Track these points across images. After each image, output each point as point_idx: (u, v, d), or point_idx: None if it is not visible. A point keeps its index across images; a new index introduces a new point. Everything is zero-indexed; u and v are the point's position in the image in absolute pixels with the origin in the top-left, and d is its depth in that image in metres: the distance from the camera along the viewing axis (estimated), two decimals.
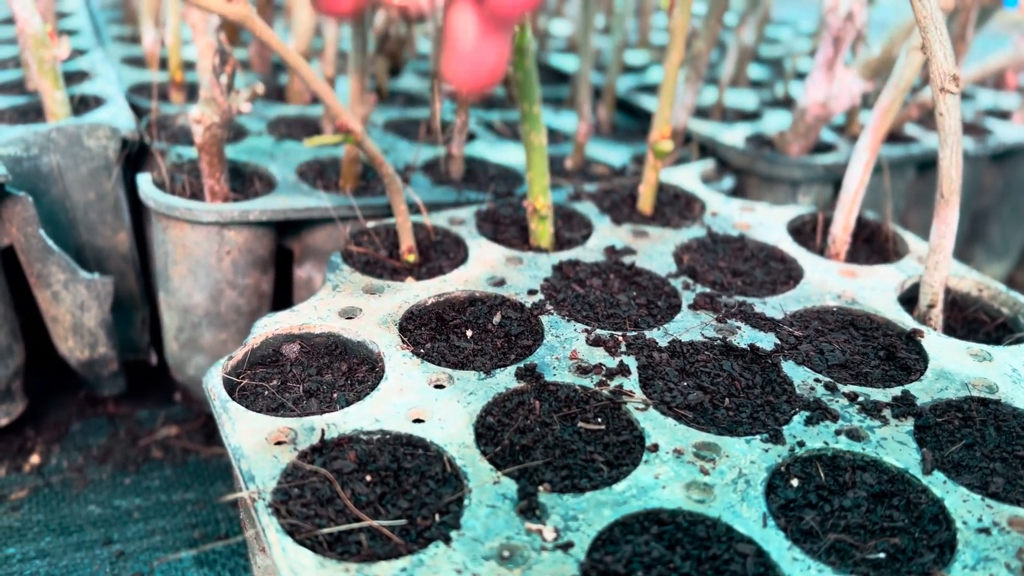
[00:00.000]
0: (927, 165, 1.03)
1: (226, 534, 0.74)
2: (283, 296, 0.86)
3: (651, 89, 1.18)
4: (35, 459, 0.81)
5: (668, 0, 0.72)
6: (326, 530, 0.46)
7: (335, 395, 0.57)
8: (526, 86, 0.69)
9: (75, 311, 0.76)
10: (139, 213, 0.83)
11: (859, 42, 0.97)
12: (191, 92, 1.00)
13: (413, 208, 0.77)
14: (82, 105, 0.87)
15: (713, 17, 0.86)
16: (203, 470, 0.82)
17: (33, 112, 0.86)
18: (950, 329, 0.70)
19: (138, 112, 0.92)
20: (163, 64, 1.07)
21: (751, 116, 1.10)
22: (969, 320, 0.72)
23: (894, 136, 1.01)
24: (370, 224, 0.75)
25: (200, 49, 0.71)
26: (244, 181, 0.81)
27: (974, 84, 1.30)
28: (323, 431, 0.51)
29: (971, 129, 1.08)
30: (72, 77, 0.95)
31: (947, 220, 0.63)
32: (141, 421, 0.88)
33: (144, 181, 0.75)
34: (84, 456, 0.82)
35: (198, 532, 0.75)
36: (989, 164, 1.10)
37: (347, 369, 0.60)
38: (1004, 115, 1.16)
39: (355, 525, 0.46)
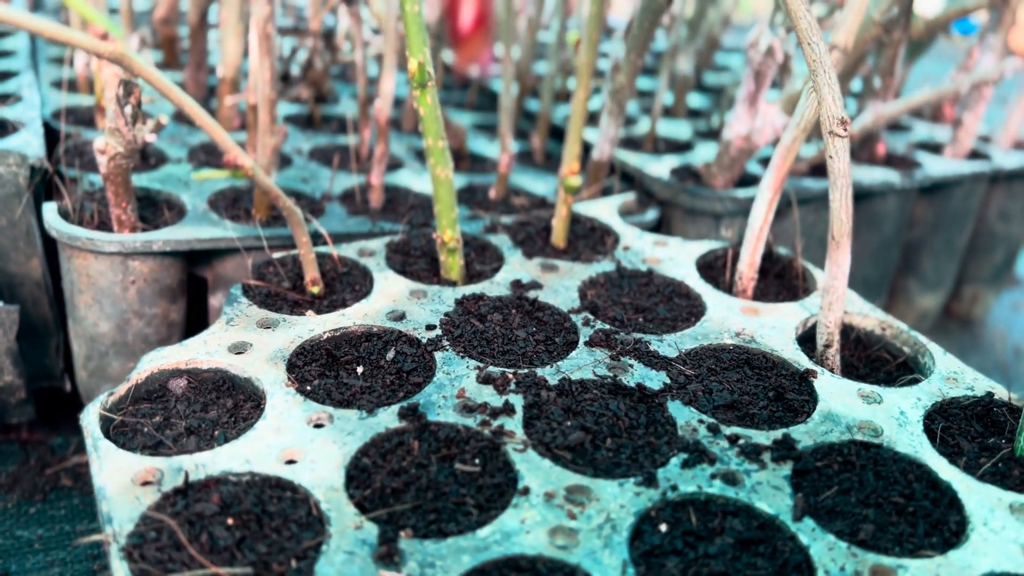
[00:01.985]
0: (855, 198, 1.03)
1: None
2: (199, 324, 0.85)
3: (589, 118, 1.18)
4: None
5: (575, 39, 0.72)
6: None
7: (216, 433, 0.57)
8: (429, 121, 0.69)
9: None
10: (53, 239, 0.83)
11: (785, 76, 0.98)
12: None
13: (322, 239, 0.77)
14: (1, 129, 0.87)
15: (634, 52, 0.86)
16: None
17: None
18: (852, 367, 0.70)
19: (57, 137, 0.91)
20: (93, 88, 1.06)
21: (683, 147, 1.10)
22: (872, 359, 0.72)
23: (822, 169, 1.02)
24: (276, 255, 0.75)
25: (105, 79, 0.71)
26: (155, 209, 0.81)
27: (910, 116, 1.31)
28: (187, 473, 0.51)
29: (901, 162, 1.08)
30: None
31: (839, 262, 0.64)
32: (54, 448, 0.87)
33: (49, 210, 0.75)
34: None
35: (98, 564, 0.74)
36: (920, 197, 1.10)
37: (232, 406, 0.60)
38: (937, 148, 1.17)
39: (200, 572, 0.45)
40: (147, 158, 0.91)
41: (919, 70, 1.95)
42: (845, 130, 0.60)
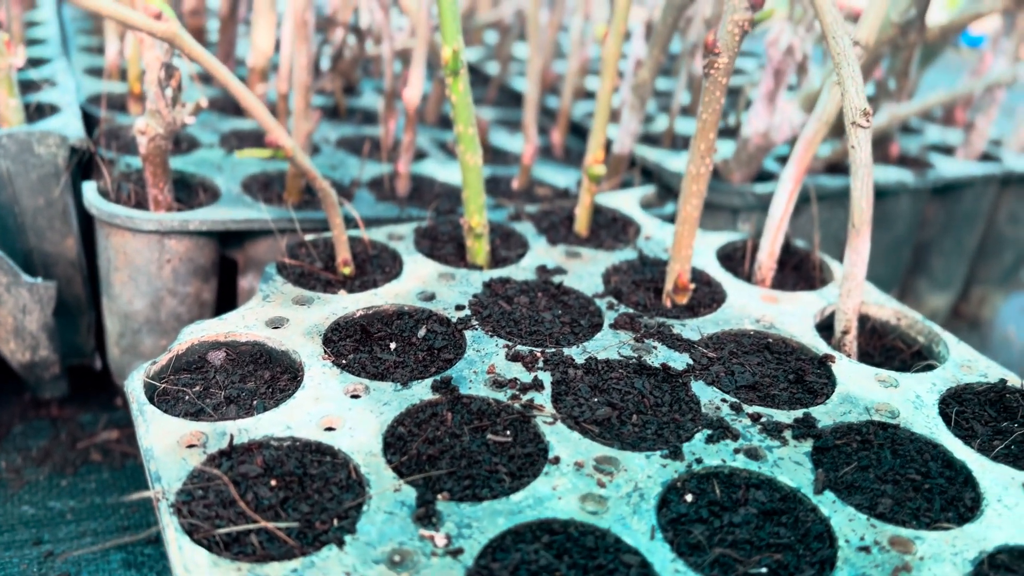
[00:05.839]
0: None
1: (157, 537, 0.75)
2: (228, 305, 0.87)
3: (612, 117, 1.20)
4: None
5: (603, 31, 0.75)
6: (223, 530, 0.47)
7: (255, 402, 0.59)
8: (460, 108, 0.71)
9: (17, 314, 0.78)
10: (89, 220, 0.85)
11: (802, 75, 1.00)
12: None
13: (353, 223, 0.79)
14: (37, 113, 0.89)
15: (657, 47, 0.88)
16: (140, 474, 0.83)
17: None
18: (868, 356, 0.72)
19: (93, 122, 0.94)
20: (124, 76, 1.09)
21: None
22: (887, 348, 0.74)
23: (837, 167, 1.04)
24: (308, 237, 0.77)
25: (147, 62, 0.73)
26: (190, 191, 0.83)
27: (922, 120, 1.33)
28: (232, 436, 0.53)
29: (914, 163, 1.10)
30: (32, 85, 0.97)
31: (858, 249, 0.66)
32: (83, 425, 0.89)
33: (89, 189, 0.77)
34: (23, 457, 0.83)
35: (129, 535, 0.76)
36: (931, 197, 1.12)
37: (270, 377, 0.62)
38: (949, 150, 1.19)
39: (251, 526, 0.47)
40: (179, 143, 0.93)
41: (928, 81, 1.97)
42: (868, 121, 0.62)
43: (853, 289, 0.67)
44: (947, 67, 2.97)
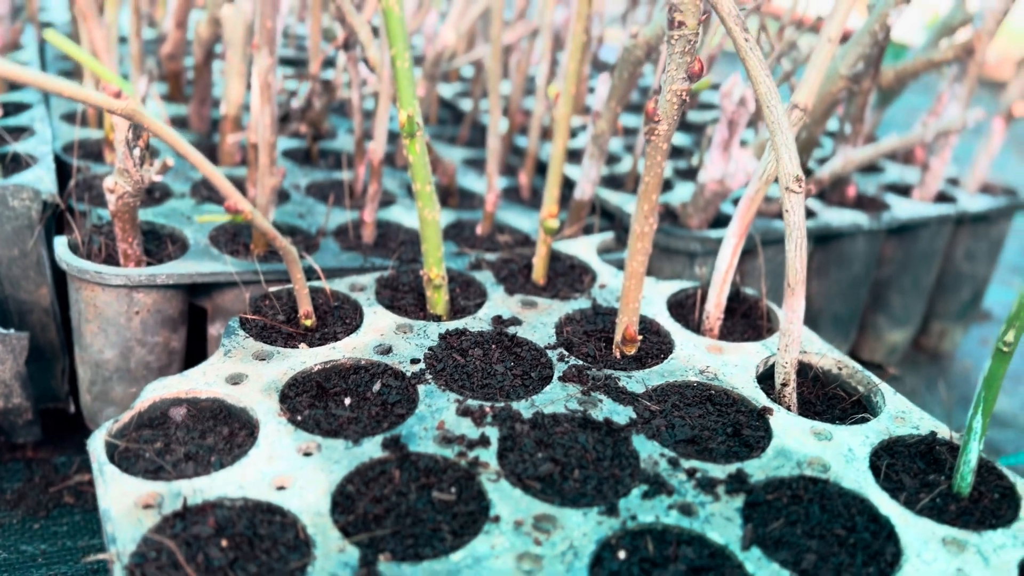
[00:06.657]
0: (825, 238, 1.09)
1: None
2: (198, 352, 0.90)
3: (576, 155, 1.23)
4: None
5: (554, 92, 0.78)
6: None
7: (213, 459, 0.61)
8: (417, 168, 0.74)
9: None
10: (62, 270, 0.87)
11: (760, 121, 1.03)
12: None
13: (316, 274, 0.82)
14: (13, 163, 0.92)
15: (613, 100, 0.92)
16: None
17: None
18: (810, 404, 0.75)
19: (68, 171, 0.96)
20: (102, 122, 1.11)
21: (663, 186, 1.15)
22: (830, 396, 0.77)
23: None
24: (272, 289, 0.79)
25: (116, 121, 0.76)
26: (160, 243, 0.86)
27: (884, 158, 1.36)
28: (185, 499, 0.56)
29: (871, 203, 1.14)
30: (10, 132, 1.00)
31: (794, 308, 0.69)
32: (57, 467, 0.91)
33: (59, 244, 0.80)
34: None
35: None
36: (888, 237, 1.15)
37: (228, 433, 0.64)
38: (906, 190, 1.22)
39: None
40: (152, 192, 0.96)
41: (902, 102, 2.00)
42: (800, 187, 0.65)
43: (791, 344, 0.70)
44: (926, 86, 3.01)
